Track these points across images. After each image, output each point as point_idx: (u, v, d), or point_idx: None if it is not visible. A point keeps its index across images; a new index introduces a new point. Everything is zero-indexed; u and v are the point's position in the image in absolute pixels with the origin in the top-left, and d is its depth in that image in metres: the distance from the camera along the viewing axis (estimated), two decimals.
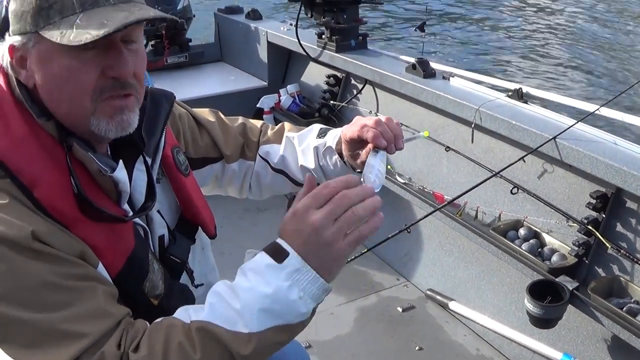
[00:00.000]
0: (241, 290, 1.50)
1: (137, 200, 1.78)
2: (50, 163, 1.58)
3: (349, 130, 2.03)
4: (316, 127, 2.30)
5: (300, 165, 2.25)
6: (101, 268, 1.62)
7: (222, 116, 2.33)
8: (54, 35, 1.53)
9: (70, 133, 1.63)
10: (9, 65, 1.63)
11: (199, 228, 2.04)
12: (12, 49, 1.60)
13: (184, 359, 1.48)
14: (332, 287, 1.53)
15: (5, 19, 1.60)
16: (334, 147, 2.17)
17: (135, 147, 1.78)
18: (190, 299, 1.92)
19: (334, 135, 2.19)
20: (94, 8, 1.56)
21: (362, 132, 1.96)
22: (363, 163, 1.95)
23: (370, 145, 1.95)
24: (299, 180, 2.28)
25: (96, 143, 1.70)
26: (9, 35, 1.60)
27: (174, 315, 1.59)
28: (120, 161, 1.70)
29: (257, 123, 2.40)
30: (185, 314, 1.57)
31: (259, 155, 2.32)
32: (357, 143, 2.04)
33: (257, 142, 2.34)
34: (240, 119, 2.38)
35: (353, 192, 1.49)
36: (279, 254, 1.49)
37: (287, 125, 2.38)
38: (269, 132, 2.36)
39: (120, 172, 1.67)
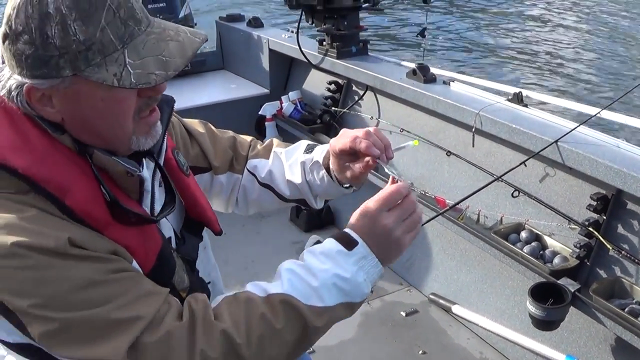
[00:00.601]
0: (318, 271, 1.69)
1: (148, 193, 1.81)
2: (76, 171, 1.60)
3: (339, 142, 2.05)
4: (303, 143, 2.32)
5: (287, 180, 2.27)
6: (135, 265, 1.67)
7: (212, 128, 2.34)
8: (106, 78, 1.50)
9: (86, 144, 1.63)
10: (23, 104, 1.58)
11: (204, 227, 2.08)
12: (31, 90, 1.55)
13: (267, 328, 1.64)
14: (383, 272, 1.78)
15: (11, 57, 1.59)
16: (321, 162, 2.18)
17: (139, 151, 1.79)
18: (207, 291, 2.00)
19: (321, 151, 2.21)
20: (132, 40, 1.54)
21: (354, 144, 2.00)
22: (354, 177, 2.10)
23: (368, 158, 2.02)
24: (286, 196, 2.30)
25: (115, 150, 1.71)
26: (16, 74, 1.54)
27: (246, 289, 1.73)
28: (143, 161, 1.74)
29: (247, 138, 2.42)
30: (258, 288, 1.72)
31: (247, 169, 2.34)
32: (347, 155, 2.07)
33: (245, 156, 2.35)
34: (230, 133, 2.39)
35: (414, 197, 1.77)
36: (349, 243, 1.72)
37: (275, 141, 2.40)
38: (258, 147, 2.38)
39: (145, 171, 1.73)
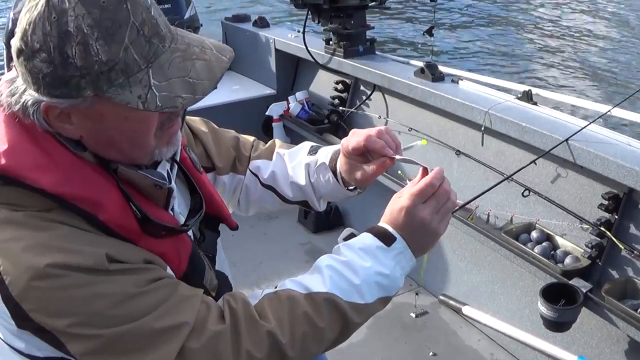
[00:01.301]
0: (359, 268, 1.70)
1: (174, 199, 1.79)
2: (105, 184, 1.56)
3: (352, 141, 2.00)
4: (307, 145, 2.29)
5: (291, 182, 2.24)
6: (169, 272, 1.67)
7: (215, 127, 2.31)
8: (131, 100, 1.43)
9: (108, 160, 1.60)
10: (39, 121, 1.51)
11: (220, 223, 2.07)
12: (49, 108, 1.48)
13: (310, 327, 1.66)
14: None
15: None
16: (327, 163, 2.16)
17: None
18: (230, 287, 2.01)
19: (326, 153, 2.18)
20: (157, 59, 1.47)
21: (368, 143, 1.96)
22: (364, 179, 2.07)
23: (384, 159, 1.99)
24: (288, 197, 2.27)
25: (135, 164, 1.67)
26: (33, 91, 1.47)
27: (286, 286, 1.72)
28: (167, 170, 1.72)
29: (249, 138, 2.38)
30: (299, 285, 1.71)
31: (250, 170, 2.30)
32: (358, 155, 2.03)
33: (248, 157, 2.32)
34: (233, 132, 2.36)
35: (448, 184, 1.77)
36: (387, 238, 1.73)
37: (277, 142, 2.37)
38: (261, 147, 2.35)
39: (172, 182, 1.71)
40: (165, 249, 1.66)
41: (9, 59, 1.55)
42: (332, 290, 1.68)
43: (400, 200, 1.73)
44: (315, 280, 1.71)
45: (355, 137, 2.00)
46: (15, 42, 1.45)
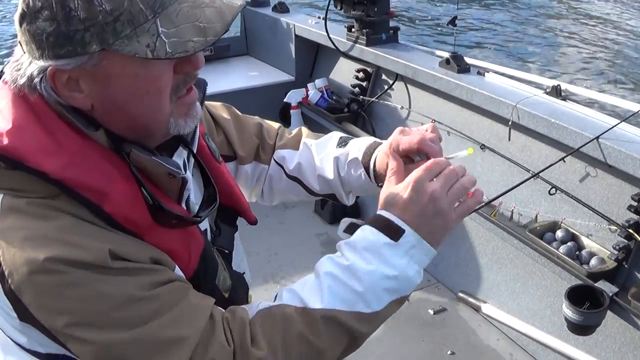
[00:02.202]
0: (362, 273, 1.53)
1: (189, 191, 1.70)
2: (114, 173, 1.48)
3: (404, 142, 1.83)
4: (335, 136, 2.18)
5: (318, 175, 2.13)
6: (178, 271, 1.57)
7: (237, 112, 2.22)
8: (138, 50, 1.37)
9: (122, 139, 1.52)
10: (48, 91, 1.45)
11: (238, 216, 1.99)
12: (56, 73, 1.42)
13: (308, 348, 1.52)
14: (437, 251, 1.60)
15: (29, 40, 1.47)
16: (360, 159, 2.04)
17: (174, 138, 1.67)
18: (246, 287, 1.93)
19: (358, 147, 2.06)
20: (163, 10, 1.40)
21: (423, 146, 1.79)
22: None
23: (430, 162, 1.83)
24: (315, 190, 2.17)
25: (151, 145, 1.59)
26: (36, 58, 1.41)
27: (282, 299, 1.59)
28: (184, 159, 1.64)
29: (274, 125, 2.29)
30: (295, 298, 1.58)
31: (274, 160, 2.21)
32: (406, 157, 1.86)
33: (273, 145, 2.23)
34: (257, 119, 2.26)
35: (458, 167, 1.59)
36: (394, 232, 1.54)
37: (304, 130, 2.26)
38: (286, 136, 2.25)
39: (188, 172, 1.62)
40: (174, 245, 1.57)
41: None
42: (330, 304, 1.52)
43: (403, 180, 1.60)
44: (313, 291, 1.56)
45: (408, 138, 1.83)
46: (18, 10, 1.40)
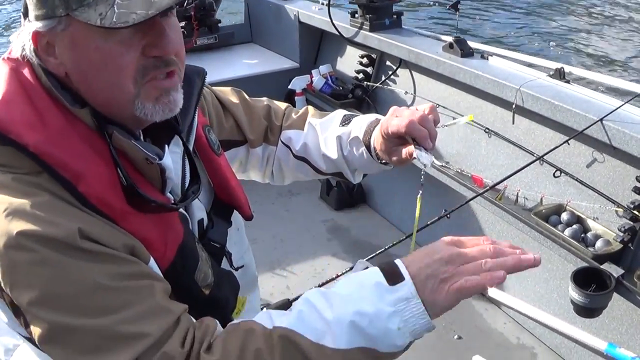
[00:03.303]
0: (337, 300, 1.46)
1: (173, 184, 1.69)
2: (92, 154, 1.49)
3: (393, 125, 1.86)
4: (339, 114, 2.19)
5: (323, 154, 2.16)
6: (152, 263, 1.55)
7: (246, 97, 2.23)
8: (91, 17, 1.42)
9: (108, 120, 1.54)
10: (33, 54, 1.52)
11: (234, 210, 1.97)
12: (36, 35, 1.49)
13: None
14: (435, 326, 1.45)
15: (26, 5, 1.51)
16: (361, 137, 2.05)
17: (169, 128, 1.69)
18: (236, 286, 1.88)
19: (360, 125, 2.08)
20: None
21: (410, 130, 1.82)
22: (400, 162, 1.93)
23: (411, 148, 1.84)
24: (321, 169, 2.20)
25: (134, 128, 1.61)
26: (29, 21, 1.50)
27: (255, 318, 1.54)
28: (166, 147, 1.62)
29: (282, 105, 2.31)
30: (267, 318, 1.53)
31: (281, 141, 2.24)
32: (397, 138, 1.90)
33: (280, 126, 2.25)
34: (265, 101, 2.28)
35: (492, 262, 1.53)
36: (394, 276, 1.44)
37: (310, 109, 2.29)
38: (293, 116, 2.27)
39: (167, 159, 1.60)
40: (149, 233, 1.56)
41: None
42: (293, 325, 1.45)
43: (435, 245, 1.50)
44: (286, 313, 1.52)
45: (397, 121, 1.86)
46: None
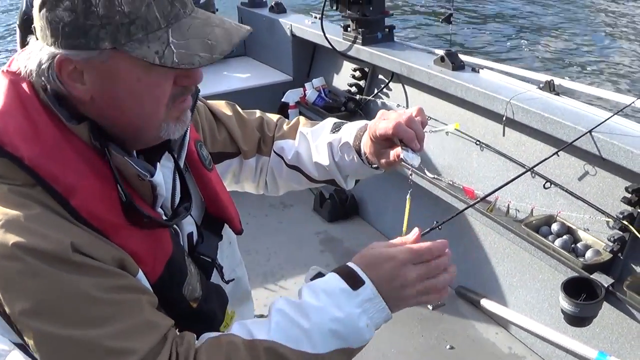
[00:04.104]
0: (312, 310, 1.55)
1: (163, 199, 1.70)
2: (86, 169, 1.51)
3: (381, 127, 1.91)
4: (329, 122, 2.23)
5: (315, 162, 2.18)
6: (141, 275, 1.57)
7: (239, 109, 2.26)
8: (147, 55, 1.43)
9: (106, 136, 1.55)
10: (52, 78, 1.50)
11: (224, 224, 1.99)
12: (63, 62, 1.47)
13: None
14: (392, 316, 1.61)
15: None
16: (351, 143, 2.09)
17: (161, 143, 1.70)
18: (225, 299, 1.91)
19: (350, 131, 2.12)
20: (177, 22, 1.48)
21: (397, 132, 1.87)
22: (389, 164, 1.98)
23: (399, 149, 1.89)
24: (314, 177, 2.22)
25: (132, 146, 1.63)
26: (42, 43, 1.48)
27: (232, 330, 1.60)
28: (158, 164, 1.64)
29: (274, 117, 2.34)
30: (243, 330, 1.59)
31: (274, 151, 2.26)
32: (385, 141, 1.94)
33: (272, 137, 2.27)
34: (258, 113, 2.31)
35: (444, 261, 1.63)
36: (354, 281, 1.57)
37: (301, 119, 2.32)
38: (284, 127, 2.29)
39: (159, 176, 1.62)
40: (139, 248, 1.58)
41: (23, 41, 1.54)
42: (274, 338, 1.53)
43: (391, 251, 1.62)
44: (261, 324, 1.58)
45: (384, 123, 1.91)
46: None
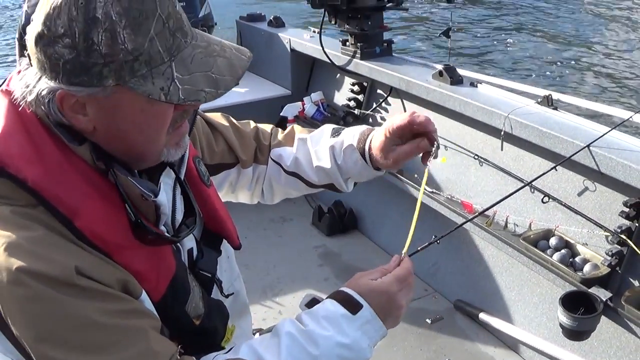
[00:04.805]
0: (320, 338, 1.62)
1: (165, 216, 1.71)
2: (90, 189, 1.52)
3: (397, 120, 1.99)
4: (328, 127, 2.26)
5: (316, 166, 2.20)
6: (144, 296, 1.59)
7: (234, 121, 2.29)
8: (153, 92, 1.43)
9: (108, 157, 1.56)
10: (53, 111, 1.50)
11: (223, 240, 2.00)
12: (65, 97, 1.46)
13: None
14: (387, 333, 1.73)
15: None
16: (355, 145, 2.12)
17: (162, 162, 1.72)
18: (225, 315, 1.93)
19: (352, 134, 2.15)
20: (179, 53, 1.48)
21: (413, 120, 1.97)
22: (396, 160, 2.04)
23: (420, 140, 1.99)
24: (313, 182, 2.25)
25: (135, 167, 1.64)
26: (49, 79, 1.45)
27: (240, 354, 1.63)
28: (161, 184, 1.65)
29: (267, 127, 2.36)
30: (252, 354, 1.63)
31: (271, 159, 2.28)
32: (398, 137, 2.01)
33: (268, 146, 2.29)
34: (252, 123, 2.34)
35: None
36: (352, 306, 1.67)
37: (297, 127, 2.34)
38: (280, 135, 2.32)
39: (162, 196, 1.63)
40: (142, 267, 1.59)
41: (21, 54, 1.52)
42: None
43: (384, 282, 1.71)
44: (270, 347, 1.63)
45: (399, 116, 1.99)
46: (36, 28, 1.43)
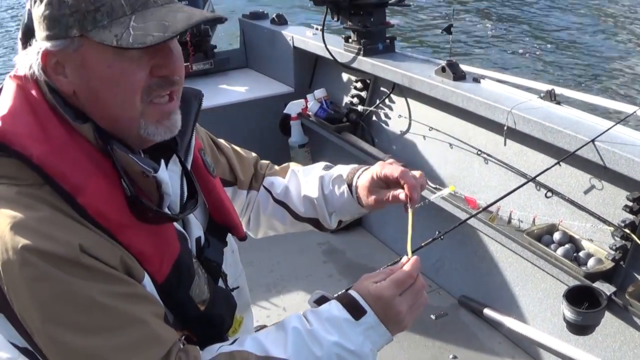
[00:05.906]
0: (324, 341, 1.63)
1: (171, 202, 1.74)
2: (93, 167, 1.56)
3: (388, 169, 2.05)
4: (321, 164, 2.32)
5: (303, 196, 2.24)
6: (147, 281, 1.61)
7: (236, 147, 2.35)
8: (106, 38, 1.50)
9: (109, 136, 1.60)
10: (41, 72, 1.59)
11: (228, 231, 2.03)
12: (46, 55, 1.57)
13: None
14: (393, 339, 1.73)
15: (28, 27, 1.57)
16: (344, 176, 2.18)
17: (167, 147, 1.75)
18: (233, 304, 1.95)
19: (344, 168, 2.22)
20: (143, 10, 1.54)
21: (403, 176, 2.01)
22: (377, 202, 2.09)
23: (399, 191, 2.03)
24: (299, 213, 2.27)
25: (136, 147, 1.67)
26: (36, 41, 1.58)
27: (245, 346, 1.65)
28: (162, 162, 1.67)
29: (265, 162, 2.42)
30: (257, 346, 1.64)
31: (263, 186, 2.33)
32: (383, 182, 2.07)
33: (263, 175, 2.35)
34: (253, 154, 2.40)
35: (422, 283, 1.74)
36: (356, 311, 1.67)
37: (292, 163, 2.41)
38: (276, 167, 2.39)
39: (163, 173, 1.65)
40: (146, 247, 1.61)
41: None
42: (292, 357, 1.62)
43: (379, 286, 1.70)
44: (277, 342, 1.65)
45: (392, 167, 2.05)
46: None
